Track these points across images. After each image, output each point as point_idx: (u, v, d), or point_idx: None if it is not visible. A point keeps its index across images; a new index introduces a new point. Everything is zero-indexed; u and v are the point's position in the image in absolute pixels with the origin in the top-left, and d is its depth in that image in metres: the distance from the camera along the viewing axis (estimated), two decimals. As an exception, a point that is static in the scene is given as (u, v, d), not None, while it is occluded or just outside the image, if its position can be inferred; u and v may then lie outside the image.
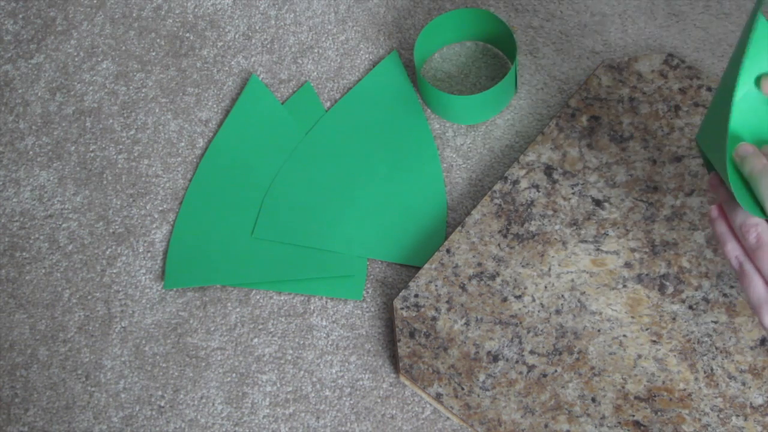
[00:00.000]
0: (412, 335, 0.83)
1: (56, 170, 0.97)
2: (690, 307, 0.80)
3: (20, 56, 1.04)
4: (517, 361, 0.81)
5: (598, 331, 0.81)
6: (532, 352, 0.81)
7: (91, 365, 0.89)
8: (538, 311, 0.82)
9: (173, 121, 0.98)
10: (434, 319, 0.83)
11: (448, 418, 0.83)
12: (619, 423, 0.78)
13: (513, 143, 0.93)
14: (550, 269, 0.84)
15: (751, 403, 0.77)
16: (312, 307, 0.89)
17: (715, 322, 0.80)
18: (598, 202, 0.86)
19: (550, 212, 0.86)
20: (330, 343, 0.87)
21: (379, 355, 0.86)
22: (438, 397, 0.80)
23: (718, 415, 0.77)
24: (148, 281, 0.91)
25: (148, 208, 0.95)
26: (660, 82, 0.90)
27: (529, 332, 0.82)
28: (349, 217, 0.91)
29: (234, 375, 0.87)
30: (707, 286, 0.81)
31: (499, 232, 0.86)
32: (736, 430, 0.76)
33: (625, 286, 0.82)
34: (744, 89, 0.65)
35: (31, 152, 0.99)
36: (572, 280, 0.83)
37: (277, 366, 0.87)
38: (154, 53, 1.02)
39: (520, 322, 0.82)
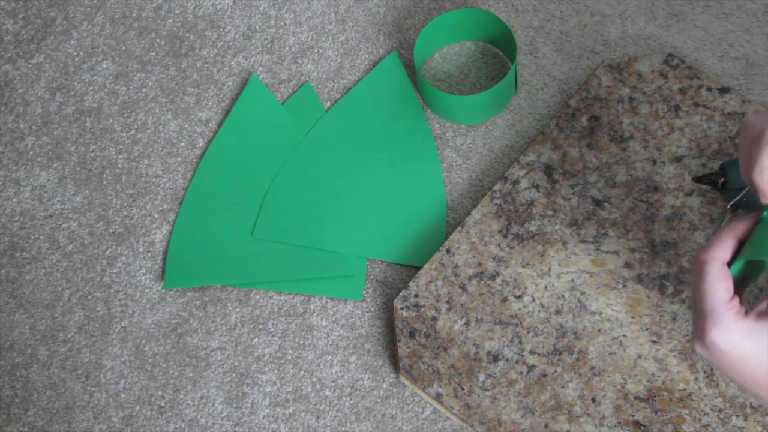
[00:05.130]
0: (412, 335, 0.83)
1: (56, 170, 0.97)
2: (690, 307, 0.80)
3: (20, 56, 1.04)
4: (517, 361, 0.81)
5: (598, 331, 0.81)
6: (532, 352, 0.81)
7: (91, 365, 0.89)
8: (538, 311, 0.82)
9: (173, 121, 0.98)
10: (434, 319, 0.83)
11: (448, 418, 0.83)
12: (619, 423, 0.78)
13: (513, 143, 0.93)
14: (550, 269, 0.84)
15: (751, 403, 0.77)
16: (312, 307, 0.89)
17: (715, 322, 0.80)
18: (598, 202, 0.86)
19: (550, 212, 0.86)
20: (330, 343, 0.87)
21: (379, 355, 0.86)
22: (438, 397, 0.80)
23: (718, 415, 0.77)
24: (148, 281, 0.91)
25: (148, 208, 0.95)
26: (660, 82, 0.90)
27: (529, 332, 0.82)
28: (349, 217, 0.91)
29: (234, 375, 0.87)
30: (707, 286, 0.81)
31: (499, 232, 0.86)
32: (736, 430, 0.76)
33: (625, 286, 0.82)
34: None
35: (31, 152, 0.99)
36: (572, 280, 0.83)
37: (277, 366, 0.87)
38: (154, 53, 1.02)
39: (520, 322, 0.82)
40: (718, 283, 0.56)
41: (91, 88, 1.01)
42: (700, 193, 0.85)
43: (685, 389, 0.78)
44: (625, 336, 0.80)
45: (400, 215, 0.91)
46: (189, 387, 0.87)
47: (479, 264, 0.85)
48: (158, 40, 1.03)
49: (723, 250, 0.57)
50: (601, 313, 0.82)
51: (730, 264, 0.58)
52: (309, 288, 0.89)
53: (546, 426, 0.78)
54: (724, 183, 0.82)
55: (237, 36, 1.02)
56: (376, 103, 0.96)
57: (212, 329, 0.89)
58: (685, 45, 0.94)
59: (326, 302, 0.89)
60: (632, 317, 0.81)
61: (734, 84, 0.91)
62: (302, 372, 0.86)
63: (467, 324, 0.83)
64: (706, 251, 0.58)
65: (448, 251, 0.86)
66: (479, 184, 0.91)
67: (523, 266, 0.84)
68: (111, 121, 0.99)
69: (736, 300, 0.56)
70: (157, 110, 0.99)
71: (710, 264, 0.57)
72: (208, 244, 0.91)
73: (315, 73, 0.99)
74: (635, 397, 0.78)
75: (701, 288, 0.57)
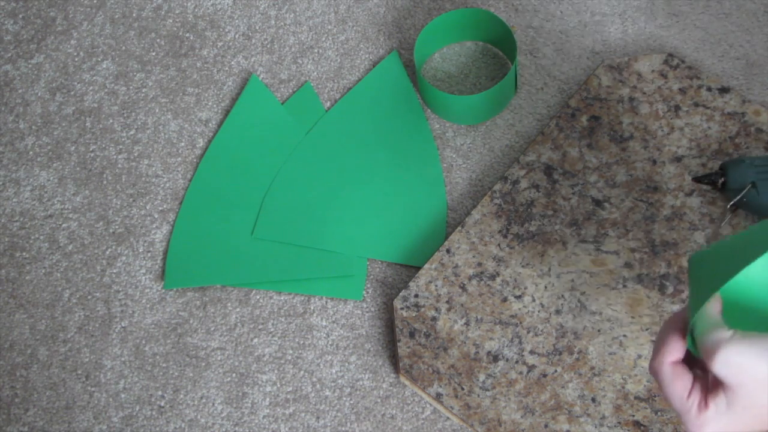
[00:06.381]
0: (412, 335, 0.83)
1: (56, 170, 0.97)
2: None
3: (20, 56, 1.04)
4: (517, 361, 0.81)
5: (598, 331, 0.81)
6: (532, 352, 0.81)
7: (91, 365, 0.89)
8: (538, 311, 0.82)
9: (173, 121, 0.98)
10: (434, 319, 0.83)
11: (448, 418, 0.83)
12: (619, 423, 0.78)
13: (513, 143, 0.93)
14: (550, 269, 0.84)
15: (751, 403, 0.77)
16: (312, 307, 0.89)
17: (715, 322, 0.80)
18: (598, 202, 0.86)
19: (550, 212, 0.86)
20: (330, 343, 0.87)
21: (379, 355, 0.86)
22: (438, 397, 0.80)
23: (718, 415, 0.77)
24: (148, 281, 0.91)
25: (148, 208, 0.95)
26: (660, 82, 0.90)
27: (529, 332, 0.82)
28: (349, 217, 0.91)
29: (234, 375, 0.87)
30: (707, 286, 0.81)
31: (499, 232, 0.86)
32: (736, 430, 0.76)
33: (625, 286, 0.82)
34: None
35: (31, 152, 0.99)
36: (572, 280, 0.83)
37: (277, 366, 0.87)
38: (154, 53, 1.02)
39: (520, 322, 0.82)
40: (672, 385, 0.57)
41: (91, 88, 1.01)
42: (700, 193, 0.85)
43: (685, 389, 0.78)
44: (625, 336, 0.80)
45: (400, 215, 0.91)
46: (189, 387, 0.87)
47: (479, 264, 0.85)
48: (158, 40, 1.03)
49: (667, 351, 0.58)
50: (601, 313, 0.82)
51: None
52: (309, 288, 0.89)
53: (546, 426, 0.78)
54: (724, 183, 0.82)
55: (237, 36, 1.02)
56: (376, 103, 0.96)
57: (212, 329, 0.89)
58: (685, 45, 0.94)
59: (326, 302, 0.89)
60: (632, 317, 0.81)
61: (734, 84, 0.91)
62: (302, 372, 0.86)
63: (467, 324, 0.83)
64: (652, 360, 0.58)
65: (448, 251, 0.86)
66: (479, 184, 0.91)
67: (523, 266, 0.84)
68: (111, 121, 0.99)
69: (695, 392, 0.56)
70: (157, 110, 0.99)
71: (659, 372, 0.58)
72: (208, 244, 0.91)
73: (315, 73, 0.99)
74: (635, 397, 0.78)
75: (664, 394, 0.58)
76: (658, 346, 0.59)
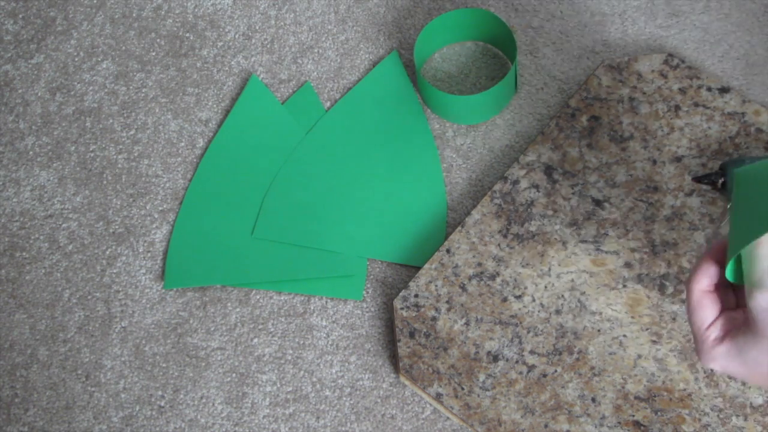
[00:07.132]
0: (412, 335, 0.83)
1: (56, 170, 0.97)
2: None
3: (20, 56, 1.04)
4: (517, 361, 0.81)
5: (598, 331, 0.81)
6: (532, 352, 0.81)
7: (91, 365, 0.89)
8: (538, 311, 0.82)
9: (173, 121, 0.98)
10: (434, 319, 0.83)
11: (448, 418, 0.83)
12: (619, 423, 0.78)
13: (513, 143, 0.93)
14: (550, 269, 0.84)
15: (751, 403, 0.77)
16: (312, 307, 0.89)
17: (715, 322, 0.80)
18: (598, 202, 0.86)
19: (550, 212, 0.86)
20: (330, 343, 0.87)
21: (379, 355, 0.86)
22: (438, 397, 0.80)
23: (718, 415, 0.77)
24: (148, 281, 0.91)
25: (148, 208, 0.95)
26: (660, 82, 0.90)
27: (529, 332, 0.82)
28: (349, 217, 0.91)
29: (234, 375, 0.87)
30: (707, 286, 0.81)
31: (499, 232, 0.86)
32: (736, 430, 0.76)
33: (625, 286, 0.82)
34: None
35: (31, 152, 0.99)
36: (572, 280, 0.83)
37: (277, 366, 0.87)
38: (154, 53, 1.02)
39: (520, 322, 0.82)
40: (695, 312, 0.57)
41: (91, 88, 1.01)
42: (700, 193, 0.85)
43: (685, 389, 0.78)
44: (625, 336, 0.80)
45: (400, 215, 0.91)
46: (189, 387, 0.87)
47: (479, 264, 0.85)
48: (158, 40, 1.03)
49: (698, 278, 0.58)
50: (601, 313, 0.82)
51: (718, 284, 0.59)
52: (309, 288, 0.89)
53: (546, 426, 0.78)
54: (724, 183, 0.82)
55: (237, 36, 1.02)
56: (376, 103, 0.96)
57: (212, 329, 0.89)
58: (685, 45, 0.94)
59: (326, 302, 0.89)
60: (632, 317, 0.81)
61: (734, 84, 0.91)
62: (302, 372, 0.86)
63: (467, 324, 0.83)
64: (688, 279, 0.58)
65: (448, 251, 0.86)
66: (479, 184, 0.91)
67: (523, 266, 0.84)
68: (111, 121, 0.99)
69: (716, 325, 0.57)
70: (157, 110, 0.99)
71: (690, 293, 0.58)
72: (208, 244, 0.91)
73: (315, 73, 0.99)
74: (635, 397, 0.78)
75: (688, 317, 0.59)
76: (694, 268, 0.58)
